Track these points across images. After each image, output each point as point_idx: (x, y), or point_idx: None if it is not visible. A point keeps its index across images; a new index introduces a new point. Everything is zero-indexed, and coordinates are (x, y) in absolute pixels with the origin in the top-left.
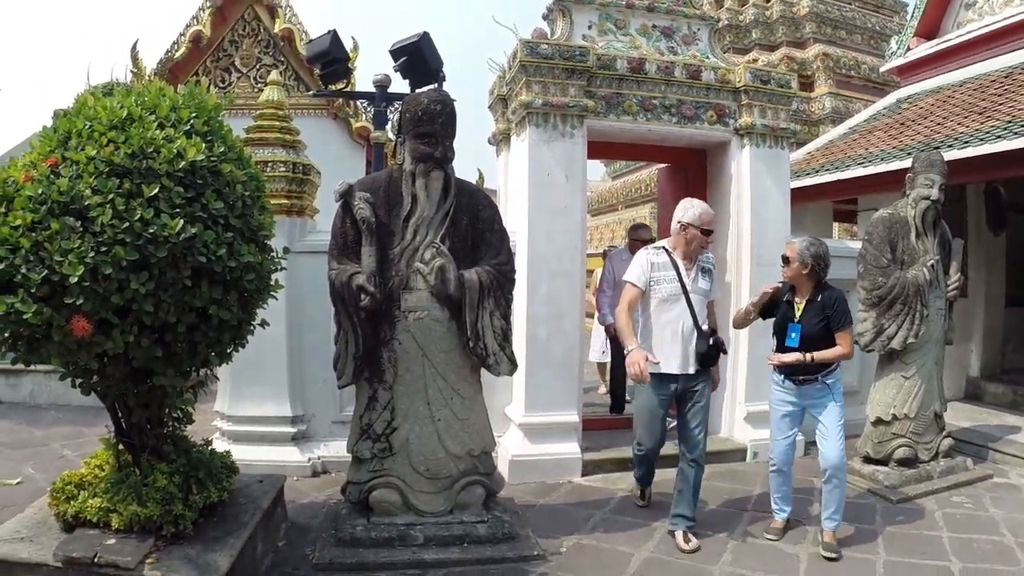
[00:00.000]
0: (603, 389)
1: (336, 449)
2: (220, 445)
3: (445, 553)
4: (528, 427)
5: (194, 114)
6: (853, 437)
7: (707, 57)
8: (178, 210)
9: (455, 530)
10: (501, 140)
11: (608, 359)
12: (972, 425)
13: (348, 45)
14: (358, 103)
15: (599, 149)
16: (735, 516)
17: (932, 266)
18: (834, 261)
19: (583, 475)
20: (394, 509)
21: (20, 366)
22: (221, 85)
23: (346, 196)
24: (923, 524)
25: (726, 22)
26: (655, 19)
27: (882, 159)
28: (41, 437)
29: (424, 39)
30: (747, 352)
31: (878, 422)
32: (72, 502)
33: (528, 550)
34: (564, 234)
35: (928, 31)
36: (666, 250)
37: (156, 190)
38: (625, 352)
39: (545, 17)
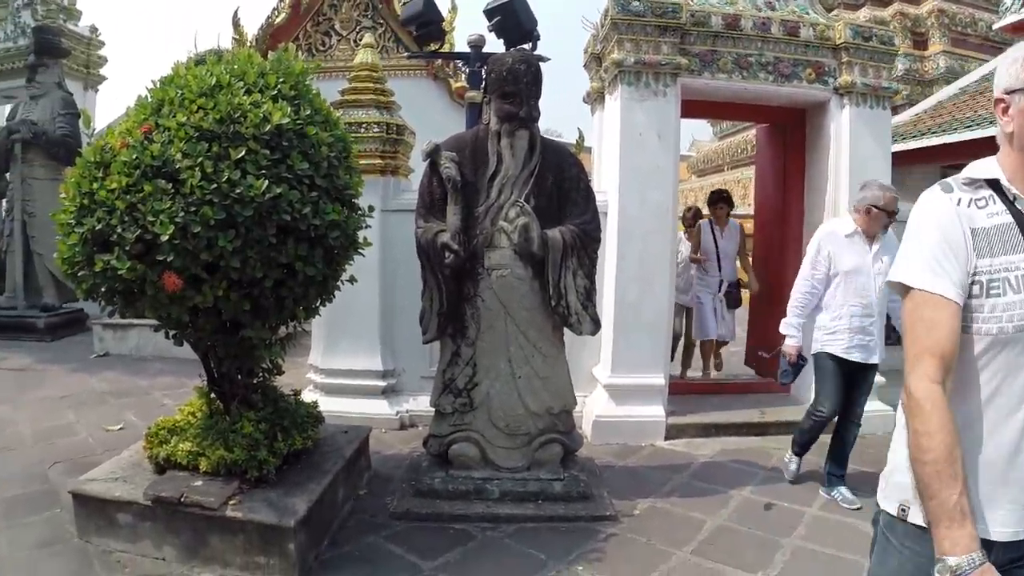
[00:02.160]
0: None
1: (424, 403)
2: (311, 396)
3: (519, 508)
4: (613, 388)
5: (281, 79)
6: None
7: (806, 13)
8: (264, 171)
9: (531, 486)
10: (595, 99)
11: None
12: None
13: (446, 6)
14: (457, 64)
15: (693, 108)
16: (814, 489)
17: None
18: None
19: (666, 439)
20: (472, 463)
21: (127, 320)
22: (321, 49)
23: (432, 155)
24: None
25: None
26: None
27: (991, 122)
28: (145, 387)
29: None
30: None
31: None
32: (164, 446)
33: (601, 510)
34: (656, 194)
35: None
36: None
37: (243, 153)
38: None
39: None
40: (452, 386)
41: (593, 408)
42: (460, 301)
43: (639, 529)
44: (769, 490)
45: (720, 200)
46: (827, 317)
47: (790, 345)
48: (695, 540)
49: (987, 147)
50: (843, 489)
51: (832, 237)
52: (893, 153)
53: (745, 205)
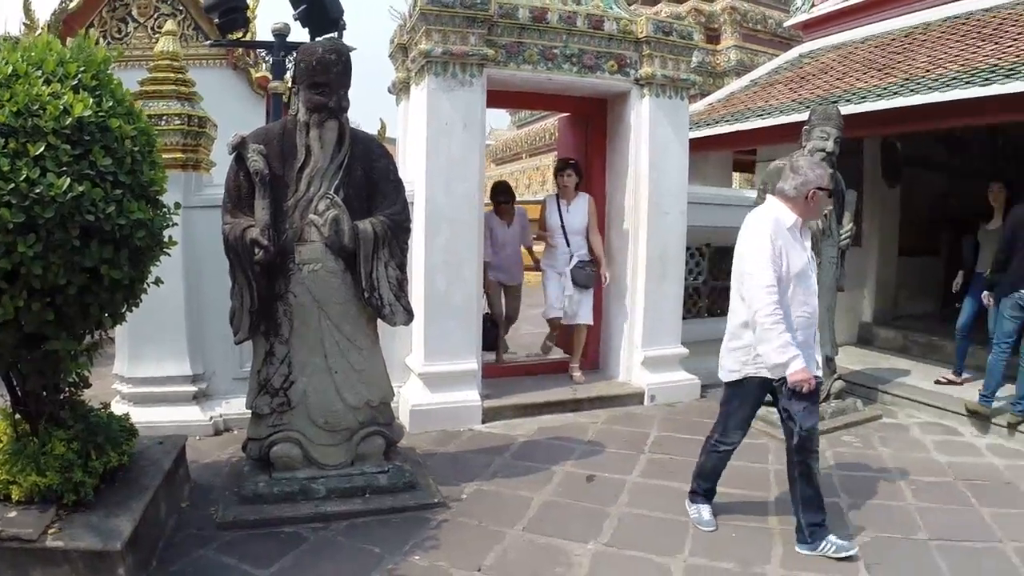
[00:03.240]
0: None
1: (238, 406)
2: (120, 408)
3: (347, 505)
4: (428, 376)
5: (82, 68)
6: None
7: (610, 7)
8: (65, 168)
9: (356, 481)
10: (401, 89)
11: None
12: (863, 368)
13: None
14: (259, 53)
15: (499, 98)
16: (633, 458)
17: (825, 216)
18: (731, 210)
19: (483, 422)
20: (295, 463)
21: None
22: (117, 36)
23: (239, 148)
24: None
25: None
26: None
27: (781, 111)
28: None
29: None
30: (643, 298)
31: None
32: None
33: (429, 498)
34: (462, 183)
35: None
36: None
37: (42, 148)
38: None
39: None
40: (268, 386)
41: (409, 397)
42: (272, 298)
43: (469, 513)
44: (589, 463)
45: (567, 167)
46: None
47: (802, 372)
48: (525, 518)
49: (776, 135)
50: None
51: (780, 229)
52: (690, 140)
53: (544, 191)
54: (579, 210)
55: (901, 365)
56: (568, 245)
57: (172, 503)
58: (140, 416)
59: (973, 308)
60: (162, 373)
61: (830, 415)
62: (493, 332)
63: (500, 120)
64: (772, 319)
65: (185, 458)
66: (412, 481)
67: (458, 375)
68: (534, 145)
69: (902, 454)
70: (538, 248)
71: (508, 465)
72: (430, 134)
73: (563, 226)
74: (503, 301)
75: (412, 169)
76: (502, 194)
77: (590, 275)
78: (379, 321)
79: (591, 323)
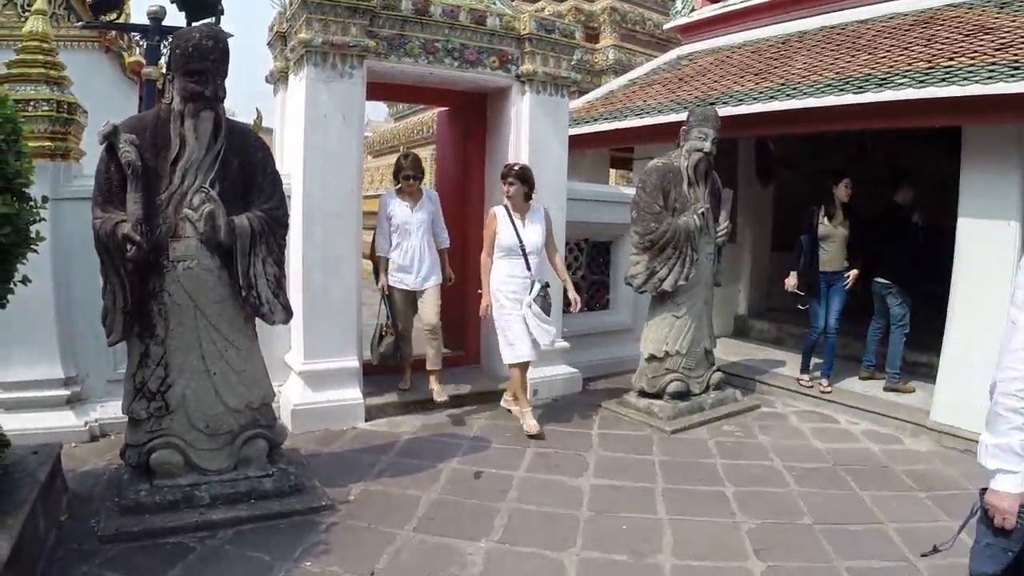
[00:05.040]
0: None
1: (114, 410)
2: None
3: (233, 511)
4: (308, 374)
5: None
6: (628, 372)
7: (493, 3)
8: None
9: (241, 486)
10: (279, 79)
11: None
12: (741, 359)
13: None
14: (132, 36)
15: (379, 91)
16: (519, 453)
17: (702, 214)
18: (608, 206)
19: (367, 420)
20: (177, 470)
21: None
22: None
23: (110, 138)
24: (697, 452)
25: None
26: None
27: (659, 111)
28: None
29: None
30: None
31: (651, 358)
32: None
33: (316, 501)
34: (340, 177)
35: None
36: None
37: None
38: None
39: None
40: (144, 389)
41: (291, 397)
42: (146, 297)
43: (358, 514)
44: (476, 459)
45: (510, 174)
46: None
47: (1009, 497)
48: (415, 517)
49: (654, 134)
50: None
51: None
52: (569, 137)
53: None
54: (537, 225)
55: (776, 356)
56: (529, 268)
57: (51, 517)
58: (11, 423)
59: (841, 304)
60: (32, 377)
61: (710, 405)
62: (398, 351)
63: (377, 112)
64: (1015, 400)
65: (61, 467)
66: (298, 484)
67: (339, 373)
68: (412, 138)
69: (782, 442)
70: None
71: (394, 464)
72: (308, 126)
73: (521, 245)
74: (409, 310)
75: (289, 162)
76: (409, 168)
77: (550, 303)
78: (257, 320)
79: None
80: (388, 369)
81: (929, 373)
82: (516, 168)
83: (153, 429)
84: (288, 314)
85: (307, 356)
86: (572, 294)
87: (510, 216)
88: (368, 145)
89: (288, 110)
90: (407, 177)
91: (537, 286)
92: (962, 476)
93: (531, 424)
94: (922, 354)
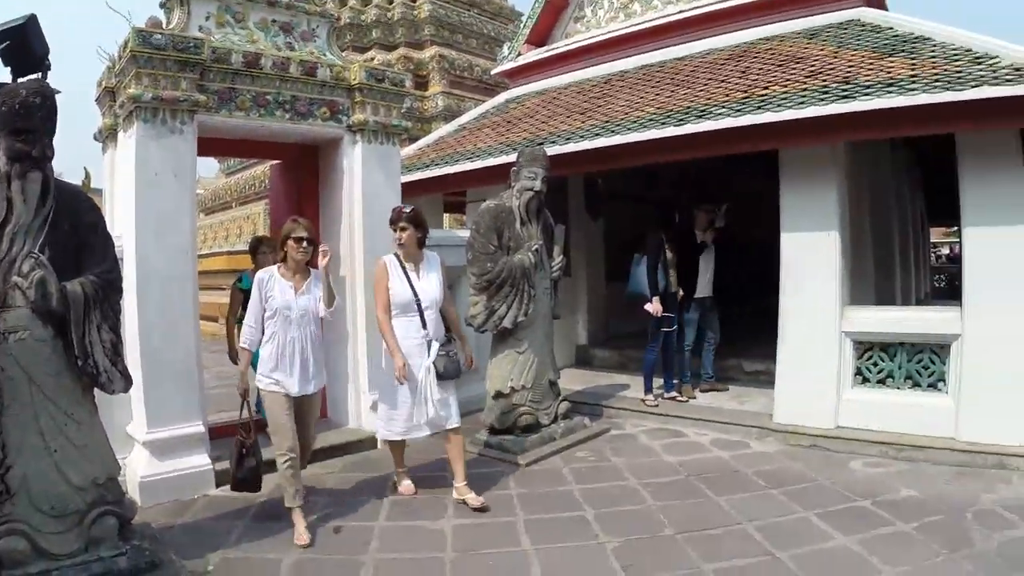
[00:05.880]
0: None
1: None
2: None
3: None
4: (153, 444)
5: None
6: (477, 411)
7: (324, 54)
8: None
9: (94, 569)
10: (108, 136)
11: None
12: (586, 387)
13: None
14: None
15: (210, 146)
16: (376, 503)
17: (536, 250)
18: (445, 250)
19: (217, 486)
20: (24, 558)
21: None
22: None
23: None
24: (554, 481)
25: (348, 21)
26: (275, 14)
27: (490, 154)
28: None
29: (31, 22)
30: (366, 344)
31: (498, 395)
32: None
33: (174, 575)
34: (174, 236)
35: (539, 39)
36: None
37: None
38: None
39: (162, 5)
40: None
41: (136, 469)
42: None
43: None
44: (333, 513)
45: (401, 218)
46: None
47: None
48: None
49: (485, 176)
50: None
51: None
52: (402, 184)
53: None
54: (433, 274)
55: (620, 380)
56: (425, 326)
57: None
58: None
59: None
60: None
61: (561, 435)
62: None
63: (207, 168)
64: None
65: None
66: (154, 559)
67: (184, 439)
68: (244, 193)
69: (635, 461)
70: None
71: (251, 528)
72: (139, 184)
73: (417, 300)
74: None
75: (121, 223)
76: (303, 231)
77: (459, 364)
78: (97, 390)
79: (459, 424)
80: (232, 430)
81: (768, 380)
82: (407, 211)
83: None
84: (128, 382)
85: (150, 424)
86: (468, 351)
87: (402, 266)
88: (200, 202)
89: (118, 168)
90: (300, 240)
91: (435, 344)
92: (809, 470)
93: (408, 486)
94: (760, 363)
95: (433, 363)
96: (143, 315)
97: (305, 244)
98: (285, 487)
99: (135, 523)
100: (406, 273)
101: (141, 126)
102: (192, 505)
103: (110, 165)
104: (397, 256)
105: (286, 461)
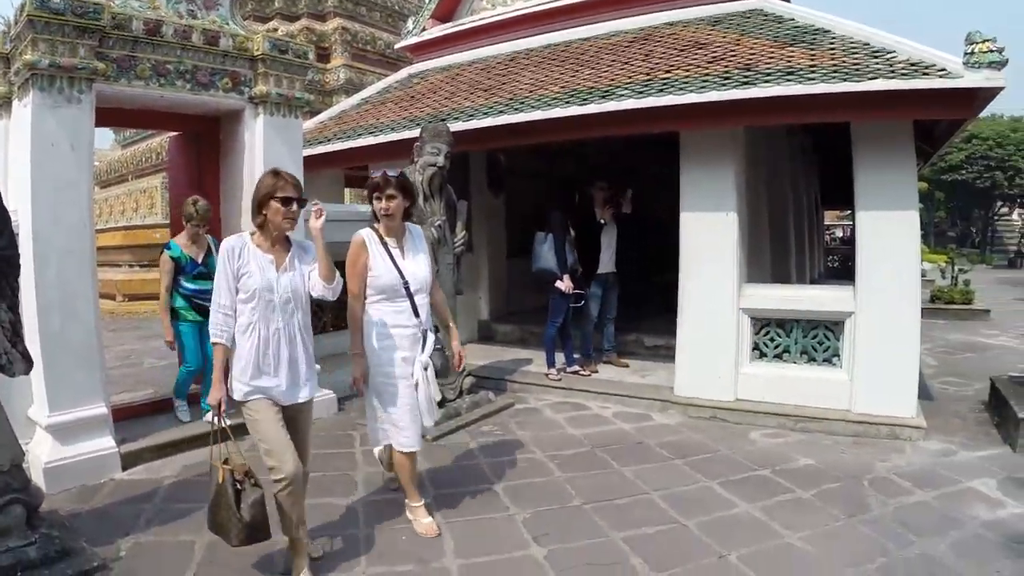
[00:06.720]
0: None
1: None
2: None
3: None
4: (56, 427)
5: None
6: None
7: (227, 23)
8: None
9: (3, 560)
10: (1, 106)
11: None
12: (489, 362)
13: None
14: None
15: (108, 116)
16: None
17: (439, 226)
18: (346, 225)
19: (124, 469)
20: None
21: None
22: None
23: None
24: (462, 456)
25: None
26: None
27: (392, 129)
28: None
29: None
30: None
31: None
32: None
33: (87, 563)
34: (72, 209)
35: (444, 14)
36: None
37: None
38: None
39: None
40: None
41: (40, 454)
42: None
43: (134, 570)
44: None
45: (388, 184)
46: None
47: None
48: (194, 563)
49: (388, 151)
50: None
51: None
52: (303, 158)
53: (154, 215)
54: (421, 254)
55: (523, 355)
56: (417, 314)
57: None
58: None
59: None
60: None
61: (466, 409)
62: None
63: (103, 139)
64: None
65: None
66: (64, 548)
67: (88, 422)
68: (141, 166)
69: (540, 434)
70: None
71: (161, 511)
72: (35, 156)
73: (405, 283)
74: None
75: (15, 196)
76: (290, 187)
77: (447, 358)
78: None
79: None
80: (137, 410)
81: (668, 355)
82: (395, 177)
83: None
84: (29, 364)
85: (52, 408)
86: (456, 345)
87: (383, 243)
88: (96, 175)
89: (12, 139)
90: (289, 202)
91: (431, 338)
92: (710, 440)
93: (428, 525)
94: (660, 338)
95: (429, 358)
96: (41, 293)
97: (295, 206)
98: (286, 521)
99: (43, 511)
100: (388, 251)
101: (37, 94)
102: (99, 490)
103: (3, 135)
104: (375, 230)
105: (286, 487)
